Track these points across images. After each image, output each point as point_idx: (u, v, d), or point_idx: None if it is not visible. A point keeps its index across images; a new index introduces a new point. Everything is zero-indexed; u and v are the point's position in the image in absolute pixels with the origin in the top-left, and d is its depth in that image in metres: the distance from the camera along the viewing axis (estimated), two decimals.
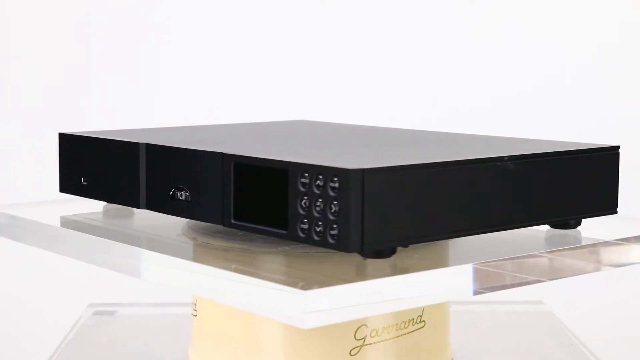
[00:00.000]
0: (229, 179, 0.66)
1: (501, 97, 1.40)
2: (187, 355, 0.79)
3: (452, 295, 0.64)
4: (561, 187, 0.69)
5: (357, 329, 0.71)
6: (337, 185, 0.59)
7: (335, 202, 0.59)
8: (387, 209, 0.60)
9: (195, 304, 0.77)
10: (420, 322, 0.74)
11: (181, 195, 0.70)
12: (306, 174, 0.61)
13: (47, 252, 1.38)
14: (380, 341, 0.72)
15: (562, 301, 1.12)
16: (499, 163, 0.65)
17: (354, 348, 0.71)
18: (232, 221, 0.66)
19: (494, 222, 0.66)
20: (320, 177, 0.60)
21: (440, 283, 0.62)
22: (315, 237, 0.61)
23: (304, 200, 0.61)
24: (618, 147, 0.72)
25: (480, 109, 1.40)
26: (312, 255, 0.66)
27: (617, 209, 0.72)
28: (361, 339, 0.71)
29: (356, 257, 0.63)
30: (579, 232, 0.72)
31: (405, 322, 0.73)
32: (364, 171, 0.59)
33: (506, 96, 1.40)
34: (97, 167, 0.77)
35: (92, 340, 0.90)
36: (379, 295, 0.59)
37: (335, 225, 0.59)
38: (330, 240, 0.60)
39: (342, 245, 0.59)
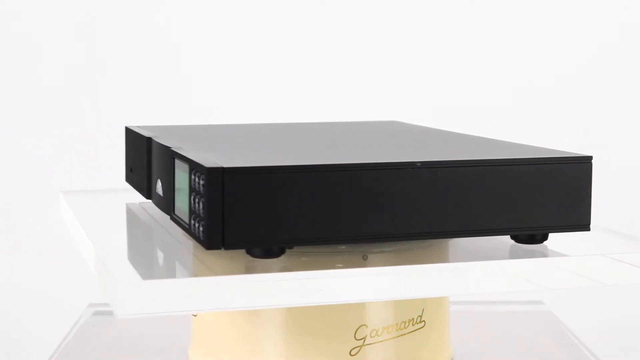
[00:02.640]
0: (172, 173, 0.67)
1: (501, 96, 1.40)
2: (187, 355, 0.79)
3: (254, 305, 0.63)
4: (520, 197, 0.64)
5: (357, 329, 0.71)
6: (203, 183, 0.60)
7: (203, 200, 0.60)
8: (252, 209, 0.59)
9: None
10: (420, 322, 0.73)
11: (158, 188, 0.72)
12: (194, 171, 0.62)
13: (47, 251, 1.38)
14: (380, 341, 0.72)
15: (562, 301, 1.12)
16: (410, 169, 0.62)
17: (354, 348, 0.71)
18: (172, 215, 0.67)
19: (406, 229, 0.62)
20: (199, 174, 0.61)
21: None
22: (196, 234, 0.61)
23: (192, 197, 0.62)
24: (591, 157, 0.66)
25: (479, 109, 1.40)
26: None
27: (590, 225, 0.66)
28: (361, 339, 0.71)
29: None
30: (546, 247, 0.67)
31: (405, 322, 0.73)
32: (224, 170, 0.59)
33: (506, 96, 1.40)
34: (134, 158, 0.80)
35: (92, 340, 0.90)
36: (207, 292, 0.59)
37: (203, 223, 0.60)
38: (201, 237, 0.60)
39: (204, 242, 0.59)
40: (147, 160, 0.75)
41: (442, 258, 0.68)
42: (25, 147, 1.40)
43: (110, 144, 1.36)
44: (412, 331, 0.73)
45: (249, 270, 0.62)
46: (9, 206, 1.41)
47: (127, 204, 0.84)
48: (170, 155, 0.67)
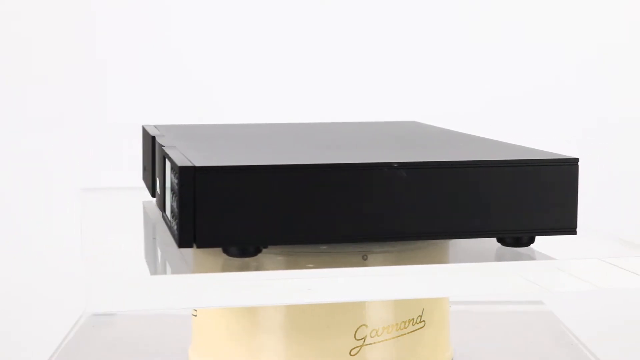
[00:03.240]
0: (163, 172, 0.68)
1: (500, 97, 1.40)
2: (187, 355, 0.79)
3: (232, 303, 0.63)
4: (505, 199, 0.63)
5: (357, 329, 0.71)
6: (177, 181, 0.60)
7: (176, 198, 0.60)
8: (224, 208, 0.59)
9: None
10: (420, 322, 0.73)
11: (158, 187, 0.72)
12: (172, 170, 0.62)
13: (47, 251, 1.38)
14: (380, 341, 0.72)
15: (562, 301, 1.12)
16: (387, 169, 0.61)
17: (354, 348, 0.71)
18: (163, 213, 0.68)
19: (385, 230, 0.62)
20: (175, 173, 0.61)
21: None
22: (173, 231, 0.62)
23: (171, 195, 0.63)
24: (577, 159, 0.65)
25: (479, 109, 1.39)
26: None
27: (576, 229, 0.65)
28: (361, 339, 0.71)
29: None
30: (532, 250, 0.66)
31: (405, 322, 0.73)
32: (195, 169, 0.59)
33: (505, 96, 1.40)
34: (145, 157, 0.81)
35: (92, 340, 0.90)
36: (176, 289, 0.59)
37: (177, 220, 0.60)
38: (175, 235, 0.61)
39: (177, 239, 0.60)
40: (151, 159, 0.75)
41: (442, 259, 0.68)
42: (25, 147, 1.40)
43: (110, 144, 1.36)
44: (412, 331, 0.73)
45: (224, 268, 0.62)
46: (9, 206, 1.41)
47: (143, 202, 0.84)
48: (163, 155, 0.68)
